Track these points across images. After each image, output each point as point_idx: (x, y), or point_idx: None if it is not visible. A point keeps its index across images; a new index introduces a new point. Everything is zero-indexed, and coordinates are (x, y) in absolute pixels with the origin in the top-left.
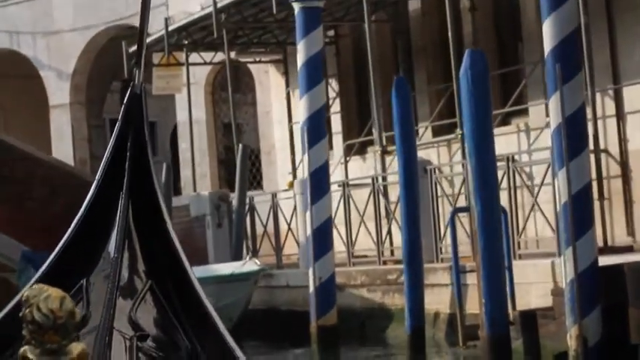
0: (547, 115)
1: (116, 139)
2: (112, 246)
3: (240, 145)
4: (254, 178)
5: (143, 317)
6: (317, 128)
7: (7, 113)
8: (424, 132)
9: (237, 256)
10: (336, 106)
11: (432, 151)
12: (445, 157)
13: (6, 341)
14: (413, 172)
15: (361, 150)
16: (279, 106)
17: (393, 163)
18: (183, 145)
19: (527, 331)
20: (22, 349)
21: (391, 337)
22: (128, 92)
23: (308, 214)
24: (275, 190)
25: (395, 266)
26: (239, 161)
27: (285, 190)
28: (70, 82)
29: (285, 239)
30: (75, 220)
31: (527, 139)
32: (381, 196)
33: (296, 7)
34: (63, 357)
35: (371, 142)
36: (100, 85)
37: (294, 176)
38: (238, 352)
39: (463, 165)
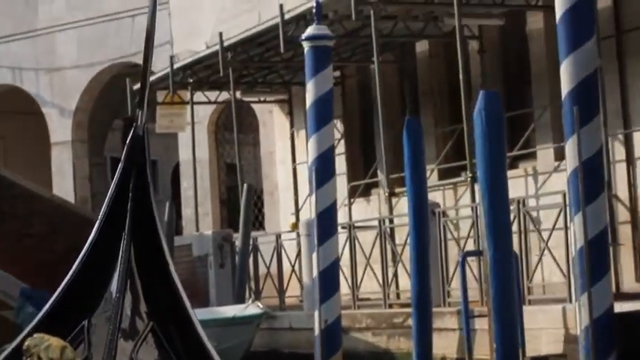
0: (555, 159)
1: (119, 180)
2: (113, 286)
3: (245, 185)
4: (256, 219)
5: (144, 358)
6: (325, 168)
7: (7, 149)
8: (430, 174)
9: (239, 297)
10: (340, 148)
11: (438, 194)
12: (451, 200)
13: None
14: (423, 215)
15: (365, 192)
16: (282, 146)
17: (399, 205)
18: (185, 184)
19: None
20: None
21: None
22: (131, 133)
23: (314, 255)
24: (278, 231)
25: (401, 309)
26: (244, 201)
27: (289, 232)
28: (72, 119)
29: (289, 281)
30: (77, 260)
31: (534, 183)
32: (387, 239)
33: (306, 45)
34: None
35: (376, 184)
36: (102, 122)
37: (297, 217)
38: None
39: (473, 208)
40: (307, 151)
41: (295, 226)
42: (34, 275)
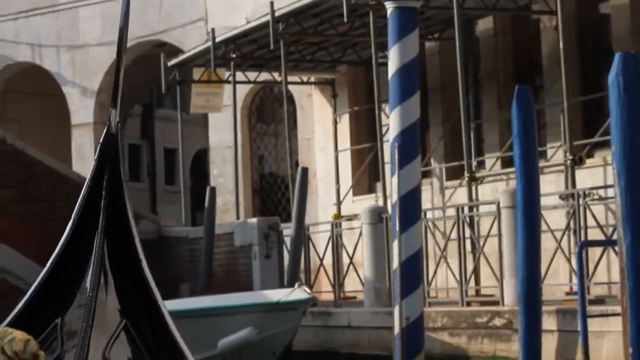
0: None
1: (92, 178)
2: (87, 285)
3: (300, 168)
4: (284, 209)
5: (117, 356)
6: (410, 145)
7: (25, 131)
8: (494, 163)
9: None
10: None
11: (500, 185)
12: None
13: None
14: (534, 200)
15: None
16: (322, 132)
17: (457, 195)
18: (215, 172)
19: None
20: None
21: None
22: (104, 131)
23: (395, 244)
24: (316, 222)
25: (484, 308)
26: (298, 185)
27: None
28: (94, 100)
29: (346, 274)
30: (50, 258)
31: None
32: (467, 229)
33: (389, 6)
34: None
35: (427, 174)
36: (123, 106)
37: (339, 207)
38: None
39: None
40: (350, 137)
41: (337, 217)
42: None
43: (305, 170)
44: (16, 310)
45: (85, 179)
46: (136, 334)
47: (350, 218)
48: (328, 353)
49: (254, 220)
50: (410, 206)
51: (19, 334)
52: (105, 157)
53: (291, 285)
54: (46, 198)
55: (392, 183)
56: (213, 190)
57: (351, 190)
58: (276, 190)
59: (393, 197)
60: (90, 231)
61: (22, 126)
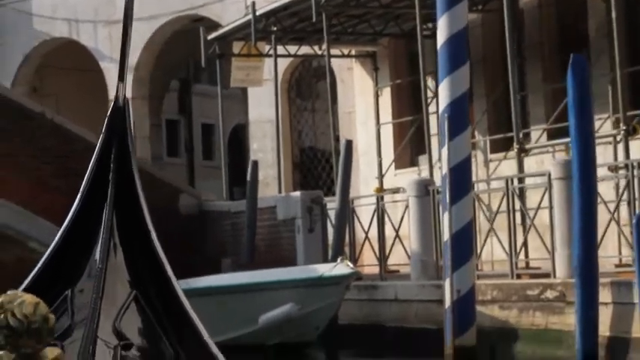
0: None
1: (100, 150)
2: (96, 256)
3: (345, 140)
4: (324, 184)
5: (127, 326)
6: (459, 117)
7: (61, 106)
8: (540, 136)
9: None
10: (432, 106)
11: (546, 157)
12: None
13: None
14: (591, 170)
15: None
16: (363, 106)
17: (502, 167)
18: (254, 146)
19: None
20: None
21: None
22: (111, 105)
23: (445, 216)
24: (360, 196)
25: (535, 280)
26: (343, 158)
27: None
28: (132, 75)
29: (392, 247)
30: (60, 231)
31: None
32: (517, 201)
33: None
34: None
35: (472, 146)
36: (161, 81)
37: (381, 181)
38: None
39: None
40: (392, 110)
41: (380, 191)
42: None
43: (349, 143)
44: (26, 282)
45: None
46: (145, 305)
47: (396, 190)
48: (374, 327)
49: (297, 193)
50: (460, 178)
51: (29, 297)
52: (113, 130)
53: (335, 259)
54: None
55: (442, 155)
56: (255, 163)
57: (393, 164)
58: (316, 164)
59: (443, 169)
60: (99, 203)
61: (59, 101)
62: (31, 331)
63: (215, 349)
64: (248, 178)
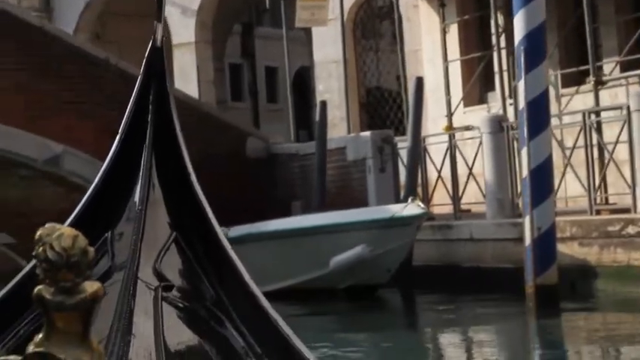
0: None
1: (138, 91)
2: (136, 198)
3: (415, 78)
4: (391, 124)
5: (168, 268)
6: (536, 49)
7: (124, 53)
8: (613, 69)
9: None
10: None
11: (620, 90)
12: None
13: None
14: None
15: None
16: (430, 43)
17: (572, 103)
18: (320, 87)
19: None
20: (36, 289)
21: (614, 300)
22: (149, 45)
23: (523, 152)
24: (430, 134)
25: (616, 216)
26: (413, 96)
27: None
28: (195, 18)
29: (465, 186)
30: (99, 173)
31: None
32: (594, 135)
33: None
34: (77, 295)
35: None
36: (224, 25)
37: (450, 119)
38: (262, 300)
39: None
40: (460, 47)
41: (449, 129)
42: None
43: (420, 80)
44: (66, 224)
45: (192, 99)
46: (186, 246)
47: (467, 128)
48: (449, 268)
49: (367, 133)
50: (537, 112)
51: (68, 230)
52: (151, 71)
53: (408, 199)
54: None
55: (518, 88)
56: (324, 104)
57: (462, 102)
58: (383, 104)
59: (520, 103)
60: (138, 145)
61: (121, 48)
62: (70, 264)
63: (256, 290)
64: (317, 118)
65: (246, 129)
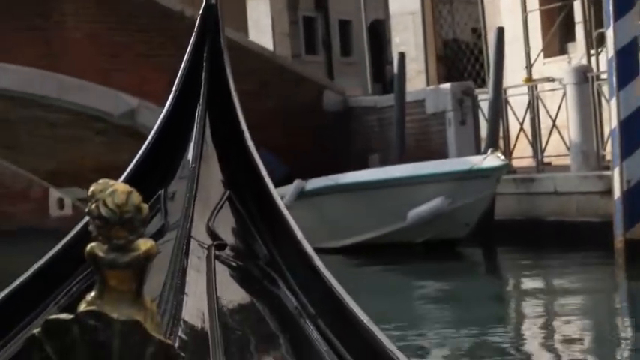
0: None
1: (192, 49)
2: (189, 156)
3: (496, 29)
4: (469, 76)
5: (221, 227)
6: None
7: (199, 4)
8: None
9: None
10: None
11: None
12: None
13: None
14: None
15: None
16: None
17: None
18: (396, 40)
19: None
20: (89, 246)
21: None
22: (204, 2)
23: (612, 102)
24: (511, 86)
25: None
26: (495, 46)
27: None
28: None
29: (548, 139)
30: (152, 131)
31: None
32: None
33: None
34: (131, 253)
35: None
36: None
37: (530, 71)
38: (316, 260)
39: None
40: None
41: (529, 80)
42: None
43: (501, 30)
44: (119, 182)
45: (267, 51)
46: (239, 205)
47: (550, 79)
48: (532, 222)
49: (447, 85)
50: (627, 61)
51: (121, 187)
52: (205, 28)
53: (492, 147)
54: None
55: (607, 37)
56: (402, 55)
57: (542, 53)
58: (460, 56)
59: (609, 52)
60: (192, 103)
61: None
62: (123, 221)
63: (310, 250)
64: (395, 71)
65: (322, 82)
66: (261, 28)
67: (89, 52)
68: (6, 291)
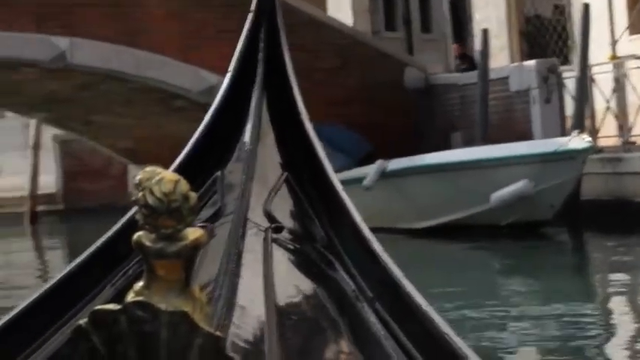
0: None
1: (249, 30)
2: (246, 137)
3: (583, 4)
4: (553, 53)
5: (278, 209)
6: None
7: None
8: None
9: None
10: None
11: None
12: None
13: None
14: None
15: None
16: None
17: None
18: (477, 17)
19: None
20: (136, 235)
21: None
22: None
23: None
24: (596, 63)
25: None
26: (582, 22)
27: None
28: None
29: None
30: (209, 112)
31: None
32: None
33: None
34: (178, 242)
35: None
36: None
37: (614, 48)
38: (375, 243)
39: None
40: None
41: (614, 58)
42: (323, 112)
43: (587, 6)
44: (175, 163)
45: (347, 27)
46: (297, 187)
47: (637, 56)
48: (619, 202)
49: (531, 62)
50: None
51: (168, 175)
52: (262, 8)
53: (578, 127)
54: (309, 48)
55: None
56: (485, 32)
57: (627, 29)
58: (543, 33)
59: None
60: (249, 84)
61: None
62: (170, 210)
63: (369, 233)
64: (478, 47)
65: (404, 59)
66: (340, 4)
67: (169, 28)
68: (65, 270)
